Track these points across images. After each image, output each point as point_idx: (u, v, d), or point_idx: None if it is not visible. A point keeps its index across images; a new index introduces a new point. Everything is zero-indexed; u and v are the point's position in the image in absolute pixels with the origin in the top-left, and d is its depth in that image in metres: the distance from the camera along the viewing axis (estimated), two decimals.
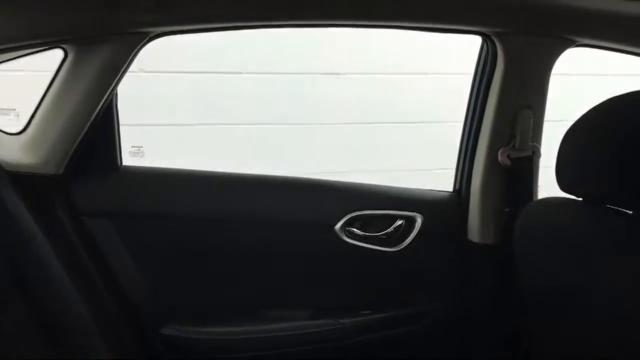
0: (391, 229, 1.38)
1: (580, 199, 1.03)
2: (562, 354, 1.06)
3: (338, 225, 1.34)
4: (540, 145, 1.34)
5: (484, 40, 1.33)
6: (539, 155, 1.34)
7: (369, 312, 1.38)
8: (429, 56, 2.76)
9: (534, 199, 1.34)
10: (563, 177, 1.04)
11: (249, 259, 1.35)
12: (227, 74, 2.66)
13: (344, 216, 1.35)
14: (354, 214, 1.35)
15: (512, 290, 1.20)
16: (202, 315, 1.35)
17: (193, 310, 1.35)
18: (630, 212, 0.94)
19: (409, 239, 1.37)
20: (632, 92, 0.95)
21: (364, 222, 1.37)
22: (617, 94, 0.98)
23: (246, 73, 2.68)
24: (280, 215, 1.36)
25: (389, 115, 2.83)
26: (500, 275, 1.30)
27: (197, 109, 2.68)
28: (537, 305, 1.13)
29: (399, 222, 1.38)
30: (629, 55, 1.38)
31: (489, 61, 1.32)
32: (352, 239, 1.35)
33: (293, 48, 2.62)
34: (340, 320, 1.36)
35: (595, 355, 0.96)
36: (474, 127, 1.37)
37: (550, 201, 1.17)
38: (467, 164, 1.40)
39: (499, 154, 1.32)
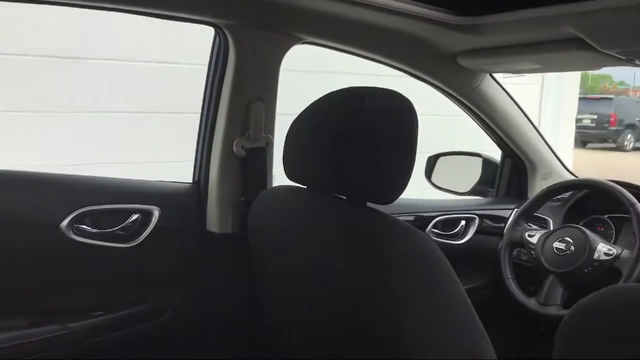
0: (126, 223, 1.31)
1: (306, 186, 1.09)
2: (299, 337, 1.11)
3: (64, 223, 1.23)
4: (273, 136, 1.39)
5: (216, 32, 1.34)
6: (272, 146, 1.39)
7: (102, 312, 1.30)
8: (177, 45, 2.70)
9: (268, 188, 1.39)
10: (289, 166, 1.10)
11: None
12: None
13: (70, 213, 1.24)
14: (82, 209, 1.25)
15: (251, 279, 1.23)
16: None
17: None
18: (345, 198, 1.03)
19: (145, 233, 1.32)
20: (347, 88, 1.04)
21: (95, 218, 1.28)
22: (335, 90, 1.06)
23: None
24: None
25: (132, 104, 2.71)
26: (240, 265, 1.33)
27: None
28: (271, 291, 1.18)
29: (135, 217, 1.32)
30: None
31: (221, 53, 1.34)
32: (81, 236, 1.25)
33: (17, 28, 2.34)
34: (69, 325, 1.25)
35: (326, 337, 1.03)
36: (210, 118, 1.38)
37: (278, 189, 1.22)
38: (204, 155, 1.40)
39: (234, 144, 1.34)
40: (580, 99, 12.92)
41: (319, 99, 1.07)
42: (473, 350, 0.95)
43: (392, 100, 0.99)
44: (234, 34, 1.30)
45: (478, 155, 2.07)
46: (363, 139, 0.95)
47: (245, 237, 1.21)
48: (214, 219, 1.39)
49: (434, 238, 1.78)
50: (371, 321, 0.92)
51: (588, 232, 1.56)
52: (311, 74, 3.06)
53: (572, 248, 1.55)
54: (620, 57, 1.22)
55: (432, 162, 2.12)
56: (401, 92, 1.00)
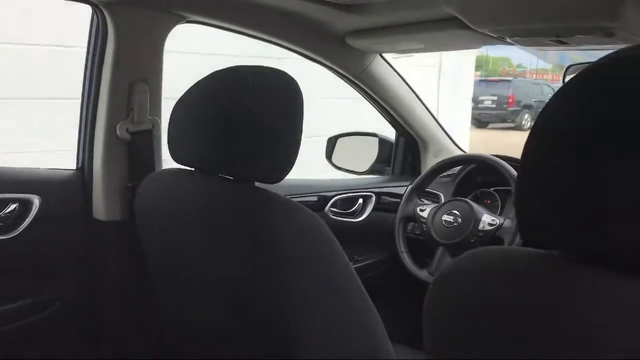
0: (3, 214, 1.24)
1: (193, 168, 1.07)
2: (194, 323, 1.10)
3: None
4: (160, 118, 1.36)
5: (93, 11, 1.28)
6: (159, 129, 1.36)
7: None
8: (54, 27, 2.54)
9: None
10: (175, 148, 1.07)
11: None
12: None
13: None
14: None
15: (142, 267, 1.19)
16: None
17: None
18: (232, 179, 1.02)
19: (24, 223, 1.25)
20: (231, 67, 1.03)
21: None
22: (219, 69, 1.04)
23: None
24: None
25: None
26: (130, 253, 1.29)
27: None
28: (163, 278, 1.16)
29: (12, 207, 1.25)
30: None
31: (100, 33, 1.28)
32: None
33: None
34: None
35: (217, 320, 1.02)
36: (91, 101, 1.32)
37: (165, 173, 1.20)
38: (87, 140, 1.34)
39: (118, 128, 1.30)
40: (481, 81, 13.57)
41: (202, 79, 1.05)
42: (361, 323, 0.98)
43: (276, 79, 0.99)
44: (112, 12, 1.24)
45: (374, 135, 2.12)
46: (247, 117, 0.95)
47: (134, 223, 1.18)
48: (100, 207, 1.34)
49: (333, 217, 1.81)
50: (258, 301, 0.92)
51: (474, 204, 1.64)
52: (204, 56, 2.99)
53: (460, 220, 1.63)
54: (492, 35, 1.28)
55: (332, 143, 2.15)
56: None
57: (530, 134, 0.59)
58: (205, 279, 1.01)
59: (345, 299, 0.96)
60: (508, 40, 1.26)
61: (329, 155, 2.13)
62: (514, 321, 0.58)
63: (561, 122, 0.56)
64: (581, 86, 0.56)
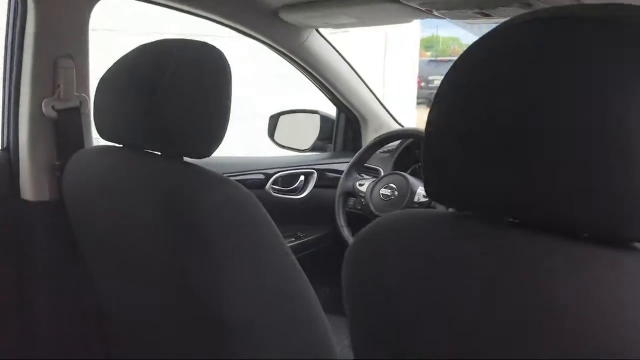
0: None
1: (121, 145, 1.06)
2: (127, 303, 1.09)
3: None
4: (88, 95, 1.33)
5: None
6: (87, 106, 1.32)
7: None
8: None
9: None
10: (102, 125, 1.05)
11: None
12: None
13: None
14: None
15: (74, 247, 1.17)
16: None
17: None
18: (160, 154, 1.01)
19: None
20: (157, 40, 1.01)
21: None
22: (144, 43, 1.02)
23: None
24: None
25: None
26: (62, 233, 1.26)
27: None
28: (95, 258, 1.14)
29: None
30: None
31: (19, 7, 1.23)
32: None
33: None
34: None
35: (147, 302, 1.01)
36: (14, 78, 1.27)
37: (92, 150, 1.17)
38: (12, 119, 1.30)
39: (43, 105, 1.26)
40: (431, 61, 13.72)
41: (128, 53, 1.02)
42: (296, 298, 0.98)
43: (202, 52, 0.98)
44: None
45: (316, 112, 2.12)
46: (172, 91, 0.93)
47: (63, 203, 1.15)
48: (28, 187, 1.30)
49: (274, 194, 1.82)
50: (186, 280, 0.91)
51: (410, 177, 1.67)
52: (136, 36, 2.92)
53: (396, 193, 1.65)
54: (420, 8, 1.29)
55: (274, 121, 2.14)
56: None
57: (433, 102, 0.60)
58: (135, 257, 1.00)
59: (280, 277, 0.96)
60: (435, 13, 1.28)
61: (271, 133, 2.13)
62: (427, 278, 0.59)
63: (461, 89, 0.58)
64: (472, 57, 0.58)
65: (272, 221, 0.95)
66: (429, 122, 0.60)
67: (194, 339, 0.94)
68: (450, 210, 0.66)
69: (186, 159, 0.99)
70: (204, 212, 0.90)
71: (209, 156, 0.98)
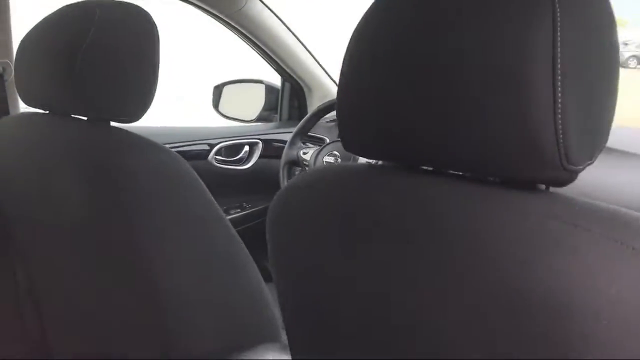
0: None
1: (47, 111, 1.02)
2: (52, 269, 1.06)
3: None
4: (12, 61, 1.27)
5: None
6: (10, 72, 1.27)
7: None
8: None
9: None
10: (25, 90, 1.01)
11: None
12: None
13: None
14: None
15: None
16: None
17: None
18: (86, 119, 0.97)
19: None
20: (76, 2, 0.96)
21: None
22: (68, 4, 0.98)
23: None
24: None
25: None
26: None
27: None
28: (18, 224, 1.10)
29: None
30: None
31: None
32: None
33: None
34: None
35: (78, 272, 0.98)
36: None
37: (14, 117, 1.13)
38: None
39: None
40: None
41: (49, 15, 0.98)
42: (232, 268, 0.97)
43: (127, 12, 0.94)
44: None
45: (260, 82, 2.09)
46: (95, 52, 0.90)
47: None
48: None
49: (217, 165, 1.79)
50: (114, 246, 0.89)
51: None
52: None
53: (339, 160, 1.65)
54: None
55: (218, 91, 2.11)
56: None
57: (344, 56, 0.60)
58: (62, 228, 0.97)
59: (215, 247, 0.95)
60: None
61: (215, 104, 2.09)
62: (345, 230, 0.59)
63: (366, 42, 0.57)
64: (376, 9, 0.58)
65: (206, 189, 0.94)
66: (341, 76, 0.60)
67: (126, 311, 0.92)
68: (373, 162, 0.66)
69: (114, 124, 0.96)
70: (131, 179, 0.87)
71: (137, 120, 0.95)
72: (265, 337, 0.95)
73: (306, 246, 0.64)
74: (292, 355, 0.75)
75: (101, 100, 0.92)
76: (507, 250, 0.45)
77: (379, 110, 0.55)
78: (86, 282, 0.98)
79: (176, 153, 0.95)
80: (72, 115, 0.98)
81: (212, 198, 0.94)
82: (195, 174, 0.93)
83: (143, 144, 0.92)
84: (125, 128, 0.94)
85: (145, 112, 0.95)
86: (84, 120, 0.97)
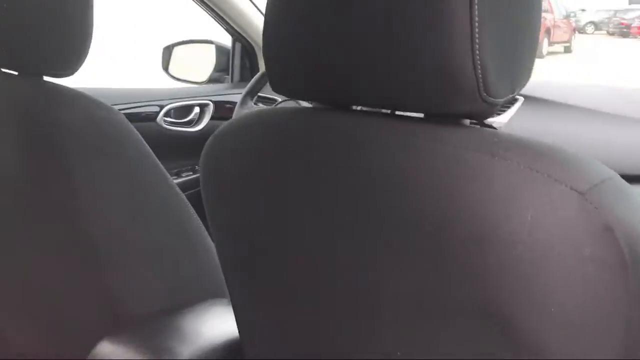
0: None
1: None
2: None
3: None
4: None
5: None
6: None
7: None
8: None
9: None
10: None
11: None
12: None
13: None
14: None
15: None
16: None
17: None
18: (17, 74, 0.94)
19: None
20: None
21: None
22: None
23: None
24: None
25: None
26: None
27: None
28: None
29: None
30: None
31: None
32: None
33: None
34: None
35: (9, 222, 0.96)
36: None
37: None
38: None
39: None
40: None
41: None
42: (170, 220, 0.96)
43: None
44: None
45: (210, 42, 2.05)
46: (22, 2, 0.86)
47: None
48: None
49: (167, 126, 1.76)
50: (49, 200, 0.87)
51: (302, 102, 1.65)
52: None
53: None
54: None
55: (168, 53, 2.05)
56: None
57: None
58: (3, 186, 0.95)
59: (152, 197, 0.94)
60: None
61: (165, 66, 2.04)
62: (278, 171, 0.59)
63: None
64: None
65: (148, 148, 0.92)
66: (265, 20, 0.59)
67: (70, 272, 0.91)
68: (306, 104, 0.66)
69: (47, 78, 0.93)
70: (67, 135, 0.85)
71: (71, 75, 0.92)
72: (211, 294, 0.95)
73: (237, 190, 0.64)
74: (234, 311, 0.76)
75: (32, 53, 0.89)
76: (426, 182, 0.45)
77: (303, 51, 0.55)
78: (25, 243, 0.95)
79: (117, 110, 0.92)
80: (2, 70, 0.94)
81: (155, 157, 0.93)
82: (137, 132, 0.92)
83: (80, 99, 0.90)
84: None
85: (80, 65, 0.92)
86: (15, 74, 0.93)
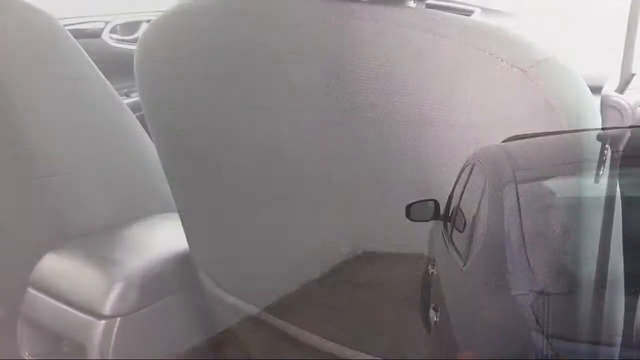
0: None
1: None
2: None
3: None
4: None
5: None
6: None
7: None
8: None
9: None
10: None
11: None
12: None
13: None
14: None
15: None
16: None
17: None
18: None
19: None
20: None
21: None
22: None
23: None
24: None
25: None
26: None
27: None
28: None
29: None
30: None
31: None
32: None
33: None
34: None
35: None
36: None
37: None
38: None
39: None
40: None
41: None
42: (123, 134, 0.93)
43: None
44: None
45: None
46: None
47: None
48: None
49: (114, 44, 1.68)
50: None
51: None
52: None
53: None
54: None
55: None
56: None
57: None
58: None
59: (99, 111, 0.90)
60: None
61: None
62: (215, 56, 0.57)
63: None
64: None
65: (89, 58, 0.88)
66: None
67: (15, 189, 0.88)
68: None
69: None
70: (8, 38, 0.81)
71: None
72: (163, 209, 0.94)
73: (173, 76, 0.61)
74: (182, 221, 0.75)
75: None
76: (368, 61, 0.43)
77: None
78: None
79: (51, 15, 0.87)
80: None
81: (100, 73, 0.89)
82: (70, 35, 0.87)
83: (15, 4, 0.84)
84: None
85: None
86: None
